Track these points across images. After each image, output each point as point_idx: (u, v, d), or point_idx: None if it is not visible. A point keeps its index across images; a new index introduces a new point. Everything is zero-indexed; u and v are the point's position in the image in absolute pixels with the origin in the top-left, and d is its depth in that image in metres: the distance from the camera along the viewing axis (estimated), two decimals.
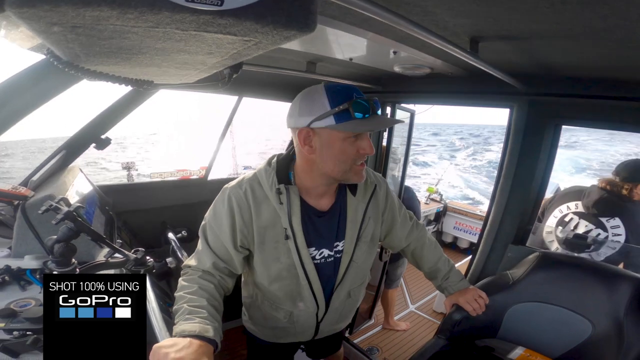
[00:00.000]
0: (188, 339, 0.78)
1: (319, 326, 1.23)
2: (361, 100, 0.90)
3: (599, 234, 1.73)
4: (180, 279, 0.99)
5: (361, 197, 1.11)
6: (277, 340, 1.29)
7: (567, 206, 1.89)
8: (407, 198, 2.71)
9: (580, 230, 1.78)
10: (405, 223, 1.29)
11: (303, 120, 0.92)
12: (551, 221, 1.92)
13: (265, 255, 1.05)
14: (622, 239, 1.66)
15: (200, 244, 1.04)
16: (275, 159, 1.06)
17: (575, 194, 1.91)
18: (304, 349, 1.55)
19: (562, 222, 1.88)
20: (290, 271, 1.07)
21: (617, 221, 1.71)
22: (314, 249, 1.07)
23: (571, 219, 1.85)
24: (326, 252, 1.09)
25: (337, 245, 1.10)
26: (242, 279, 1.26)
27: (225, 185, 1.04)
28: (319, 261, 1.09)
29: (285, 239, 1.02)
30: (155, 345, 0.75)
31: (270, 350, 1.34)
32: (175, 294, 0.93)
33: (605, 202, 1.76)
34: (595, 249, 1.73)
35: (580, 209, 1.84)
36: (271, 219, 1.01)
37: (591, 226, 1.76)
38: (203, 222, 1.05)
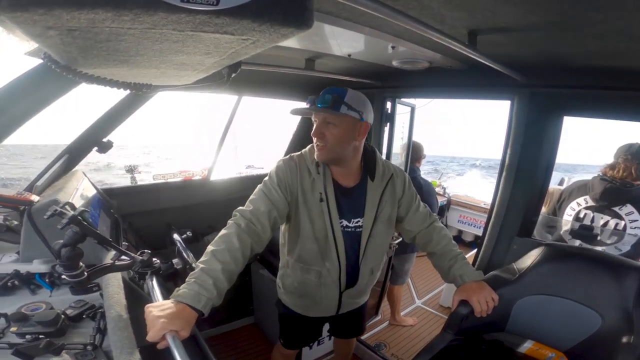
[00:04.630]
0: (175, 302, 0.92)
1: (341, 297, 1.43)
2: (320, 96, 1.20)
3: (617, 223, 1.71)
4: (222, 230, 1.15)
5: (378, 182, 1.33)
6: (305, 312, 1.49)
7: (577, 202, 1.87)
8: (426, 192, 2.69)
9: (599, 223, 1.76)
10: (419, 210, 1.43)
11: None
12: (566, 219, 1.92)
13: (306, 214, 1.28)
14: (639, 224, 1.65)
15: (256, 194, 1.25)
16: None
17: (580, 189, 1.90)
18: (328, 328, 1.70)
19: (578, 219, 1.87)
20: (321, 232, 1.30)
21: (629, 207, 1.70)
22: (338, 217, 1.29)
23: (585, 214, 1.83)
24: (345, 222, 1.32)
25: (358, 221, 1.33)
26: (280, 254, 1.49)
27: (280, 159, 1.33)
28: (342, 229, 1.31)
29: (320, 201, 1.26)
30: (147, 304, 0.90)
31: (301, 321, 1.53)
32: (208, 246, 1.10)
33: (611, 191, 1.75)
34: (620, 239, 1.71)
35: (590, 202, 1.82)
36: (310, 186, 1.28)
37: (607, 217, 1.74)
38: (261, 185, 1.28)
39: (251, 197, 1.25)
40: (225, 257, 1.06)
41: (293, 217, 1.31)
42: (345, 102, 1.18)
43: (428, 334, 2.88)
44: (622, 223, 1.69)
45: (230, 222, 1.18)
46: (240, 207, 1.22)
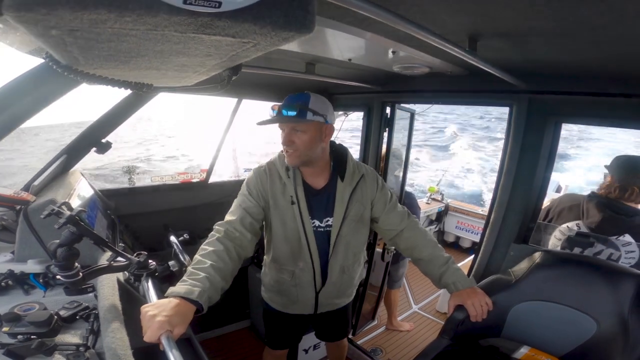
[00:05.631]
0: (171, 299, 0.93)
1: (318, 297, 1.48)
2: (286, 105, 1.23)
3: (611, 253, 1.60)
4: (207, 239, 1.22)
5: (348, 182, 1.37)
6: (284, 309, 1.54)
7: (568, 227, 1.73)
8: (408, 204, 2.67)
9: (592, 252, 1.63)
10: (394, 210, 1.45)
11: None
12: (553, 242, 1.79)
13: (278, 217, 1.36)
14: (636, 255, 1.55)
15: (232, 207, 1.35)
16: None
17: (571, 210, 1.76)
18: (312, 328, 1.75)
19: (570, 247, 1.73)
20: (294, 234, 1.36)
21: (627, 237, 1.58)
22: (310, 217, 1.35)
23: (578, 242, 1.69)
24: (317, 222, 1.38)
25: (328, 220, 1.39)
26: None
27: (252, 169, 1.40)
28: (314, 229, 1.37)
29: (292, 204, 1.33)
30: (143, 305, 0.91)
31: (281, 318, 1.58)
32: (195, 255, 1.15)
33: (610, 220, 1.61)
34: None
35: (584, 229, 1.68)
36: (281, 190, 1.34)
37: (601, 247, 1.62)
38: (237, 196, 1.37)
39: (230, 208, 1.35)
40: (212, 256, 1.11)
41: (267, 220, 1.39)
42: (310, 108, 1.23)
43: (424, 339, 2.87)
44: (618, 254, 1.58)
45: (213, 231, 1.26)
46: (219, 221, 1.30)
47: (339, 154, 1.41)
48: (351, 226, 1.40)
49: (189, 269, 1.07)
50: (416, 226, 1.46)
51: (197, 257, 1.13)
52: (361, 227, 1.45)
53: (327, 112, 1.27)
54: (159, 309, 0.89)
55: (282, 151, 1.37)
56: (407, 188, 2.71)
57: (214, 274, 1.05)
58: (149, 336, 0.84)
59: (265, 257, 1.52)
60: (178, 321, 0.88)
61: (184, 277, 1.03)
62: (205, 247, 1.16)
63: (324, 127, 1.28)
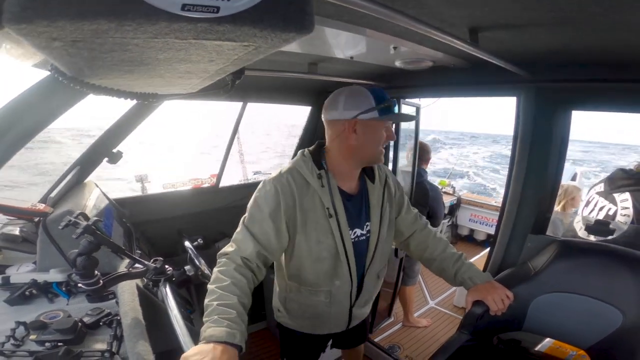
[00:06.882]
0: (212, 345, 0.82)
1: (352, 312, 1.34)
2: (394, 101, 1.17)
3: (609, 208, 1.69)
4: (215, 269, 1.05)
5: (378, 183, 1.27)
6: (313, 331, 1.39)
7: (595, 189, 1.87)
8: (432, 198, 2.60)
9: (598, 207, 1.76)
10: (410, 210, 1.41)
11: (348, 113, 1.10)
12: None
13: (307, 237, 1.16)
14: (629, 212, 1.59)
15: (240, 233, 1.11)
16: (306, 151, 1.20)
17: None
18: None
19: (587, 203, 1.87)
20: (329, 251, 1.18)
21: (625, 195, 1.64)
22: (349, 229, 1.19)
23: (593, 198, 1.84)
24: (359, 231, 1.23)
25: (368, 226, 1.25)
26: (276, 277, 1.37)
27: (264, 179, 1.16)
28: (354, 240, 1.22)
29: (329, 217, 1.14)
30: (182, 356, 0.80)
31: (305, 341, 1.44)
32: (208, 286, 0.99)
33: (617, 176, 1.73)
34: (619, 231, 1.67)
35: (601, 189, 1.82)
36: (312, 202, 1.14)
37: (606, 202, 1.73)
38: (245, 215, 1.13)
39: (236, 234, 1.11)
40: (234, 290, 0.97)
41: (291, 242, 1.18)
42: None
43: (443, 334, 2.84)
44: (614, 209, 1.67)
45: (223, 260, 1.07)
46: (227, 249, 1.09)
47: None
48: (387, 229, 1.30)
49: (213, 304, 0.92)
50: (426, 226, 1.42)
51: (215, 288, 0.97)
52: (392, 228, 1.35)
53: None
54: (206, 356, 0.80)
55: (308, 150, 1.20)
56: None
57: (242, 311, 0.95)
58: None
59: (288, 282, 1.30)
60: None
61: (215, 316, 0.89)
62: (223, 279, 0.99)
63: None
